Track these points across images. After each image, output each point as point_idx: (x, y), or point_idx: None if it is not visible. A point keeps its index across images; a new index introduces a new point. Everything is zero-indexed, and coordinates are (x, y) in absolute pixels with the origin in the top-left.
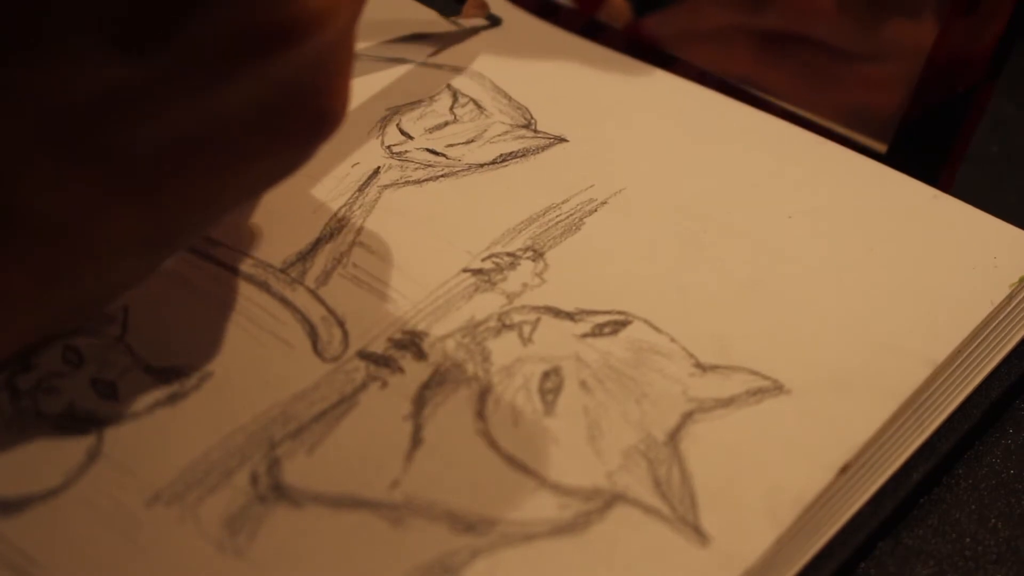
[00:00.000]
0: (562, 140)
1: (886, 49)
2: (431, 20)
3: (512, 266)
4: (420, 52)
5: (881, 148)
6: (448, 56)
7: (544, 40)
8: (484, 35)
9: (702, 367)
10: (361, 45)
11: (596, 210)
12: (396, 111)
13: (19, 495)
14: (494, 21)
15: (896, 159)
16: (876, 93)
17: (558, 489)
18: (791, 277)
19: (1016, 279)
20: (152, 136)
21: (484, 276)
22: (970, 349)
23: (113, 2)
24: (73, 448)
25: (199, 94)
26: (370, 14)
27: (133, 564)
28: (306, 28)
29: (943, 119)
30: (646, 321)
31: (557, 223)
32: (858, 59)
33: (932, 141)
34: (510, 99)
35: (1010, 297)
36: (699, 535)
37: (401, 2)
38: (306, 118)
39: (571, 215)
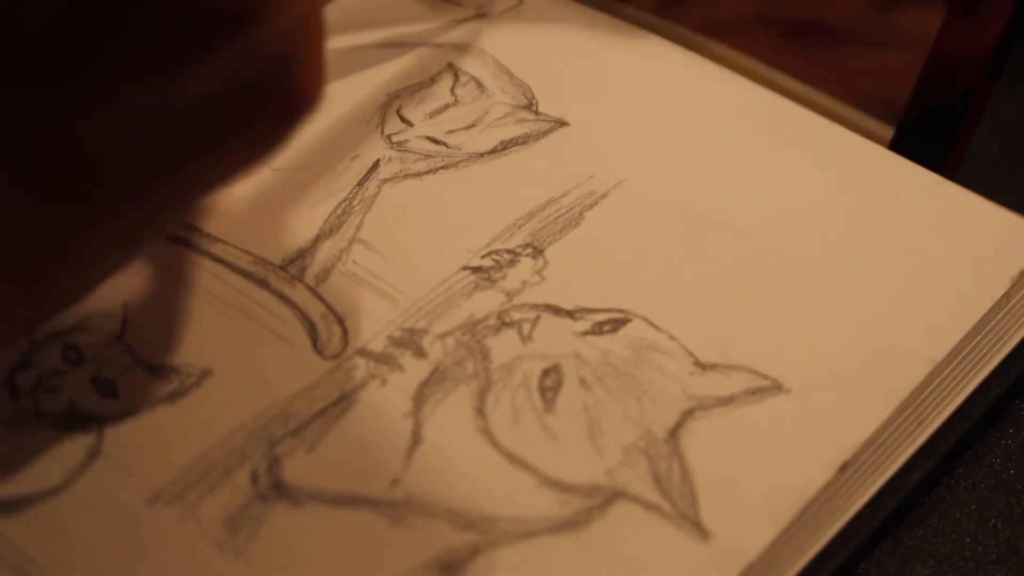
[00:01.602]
0: (563, 124)
1: (903, 36)
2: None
3: (512, 263)
4: (422, 34)
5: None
6: (450, 32)
7: (549, 8)
8: (490, 7)
9: (701, 366)
10: (403, 47)
11: (596, 203)
12: (396, 96)
13: (19, 494)
14: None
15: None
16: (890, 80)
17: (558, 486)
18: (791, 275)
19: (1017, 271)
20: (118, 130)
21: (484, 274)
22: (969, 347)
23: None
24: (73, 447)
25: (155, 87)
26: (370, 14)
27: (133, 564)
28: (262, 9)
29: (943, 119)
30: (645, 319)
31: (557, 218)
32: (875, 45)
33: (932, 141)
34: (512, 76)
35: (1009, 294)
36: (700, 531)
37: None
38: (274, 105)
39: (571, 209)
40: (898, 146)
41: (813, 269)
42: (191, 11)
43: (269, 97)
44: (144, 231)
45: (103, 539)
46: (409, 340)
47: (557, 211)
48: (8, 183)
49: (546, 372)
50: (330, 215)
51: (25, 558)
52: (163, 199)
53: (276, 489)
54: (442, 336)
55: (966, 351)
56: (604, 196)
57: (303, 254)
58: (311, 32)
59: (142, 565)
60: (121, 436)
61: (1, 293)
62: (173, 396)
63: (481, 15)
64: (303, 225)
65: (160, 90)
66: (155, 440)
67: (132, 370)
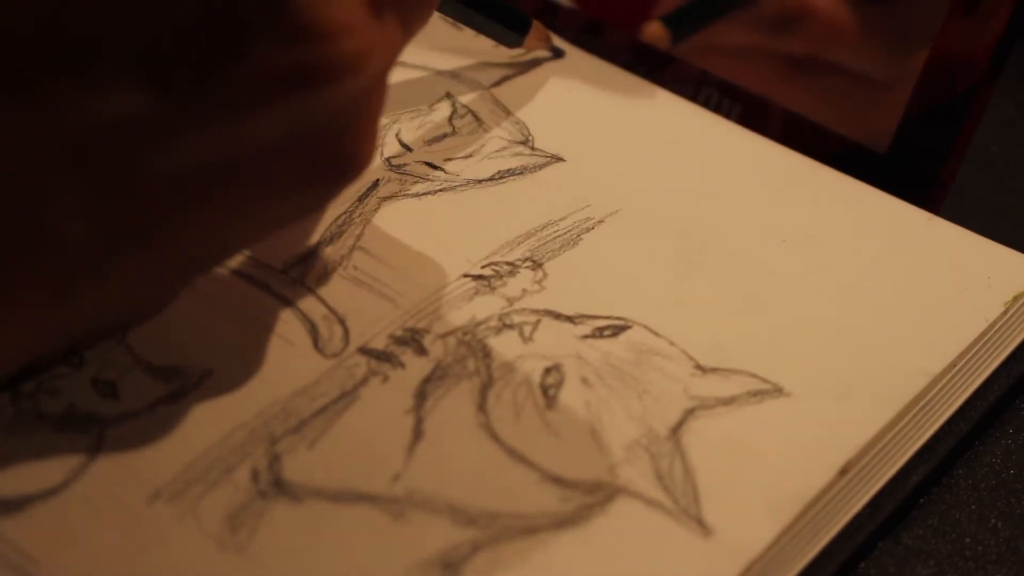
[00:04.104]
0: (559, 159)
1: (906, 75)
2: (493, 51)
3: (512, 274)
4: (422, 57)
5: (881, 148)
6: (449, 62)
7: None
8: (485, 44)
9: (702, 369)
10: (422, 72)
11: (593, 228)
12: (395, 120)
13: (19, 494)
14: (557, 53)
15: (896, 159)
16: (888, 112)
17: (560, 482)
18: (787, 295)
19: (1010, 298)
20: (177, 168)
21: (484, 281)
22: (968, 356)
23: (153, 37)
24: (74, 447)
25: (227, 130)
26: (433, 42)
27: (134, 562)
28: (339, 72)
29: (943, 119)
30: (646, 327)
31: (555, 238)
32: (878, 85)
33: (932, 141)
34: (509, 113)
35: (1004, 312)
36: (702, 527)
37: (463, 33)
38: (332, 160)
39: (569, 231)
40: (894, 150)
41: (809, 291)
42: (275, 64)
43: (326, 154)
44: (182, 271)
45: (104, 538)
46: (410, 339)
47: (555, 232)
48: (72, 195)
49: (547, 371)
50: (330, 225)
51: (26, 557)
52: (208, 240)
53: (277, 486)
54: (443, 336)
55: (965, 361)
56: (601, 222)
57: (304, 259)
58: (374, 99)
59: (143, 563)
60: (122, 435)
61: (33, 303)
62: (174, 396)
63: (481, 46)
64: (303, 234)
65: (235, 132)
66: (155, 439)
67: (133, 371)
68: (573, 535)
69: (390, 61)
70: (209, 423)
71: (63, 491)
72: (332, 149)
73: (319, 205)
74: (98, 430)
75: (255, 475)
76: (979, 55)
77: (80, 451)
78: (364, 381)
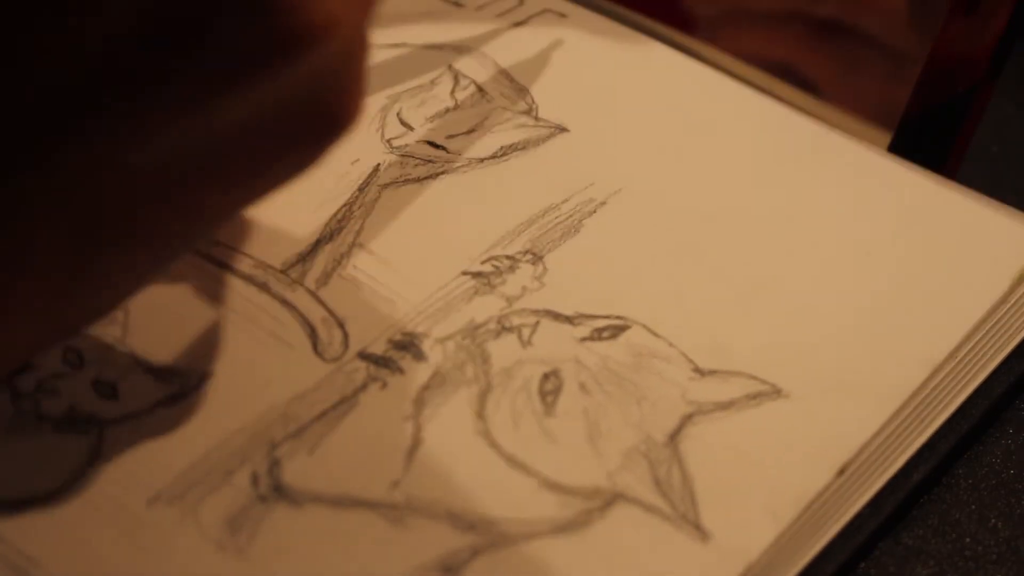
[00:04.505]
0: (563, 130)
1: (921, 52)
2: (493, 23)
3: (511, 269)
4: (422, 36)
5: (882, 147)
6: (449, 36)
7: (549, 11)
8: (486, 16)
9: (700, 371)
10: (422, 49)
11: (595, 211)
12: (396, 99)
13: (20, 496)
14: None
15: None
16: (891, 109)
17: (559, 488)
18: (790, 282)
19: (1017, 271)
20: (157, 157)
21: (483, 279)
22: (969, 347)
23: (125, 27)
24: (74, 449)
25: (203, 113)
26: (433, 18)
27: (134, 564)
28: (309, 41)
29: (943, 119)
30: (645, 326)
31: (556, 225)
32: (908, 60)
33: (932, 141)
34: (512, 81)
35: (1009, 294)
36: (700, 532)
37: (463, 9)
38: (316, 124)
39: (570, 216)
40: (898, 146)
41: (812, 275)
42: (244, 37)
43: (311, 119)
44: (175, 249)
45: (104, 539)
46: (410, 343)
47: (556, 218)
48: (45, 213)
49: (546, 376)
50: (330, 219)
51: (26, 559)
52: (198, 219)
53: (276, 491)
54: (442, 340)
55: (965, 352)
56: (603, 204)
57: (303, 258)
58: (353, 60)
59: (143, 565)
60: (122, 437)
61: (33, 296)
62: (174, 398)
63: (484, 8)
64: (303, 230)
65: (207, 115)
66: (156, 441)
67: (133, 372)
68: (572, 541)
69: (363, 20)
70: (209, 426)
71: (63, 492)
72: (315, 113)
73: (305, 168)
74: (98, 431)
75: (255, 479)
76: (979, 55)
77: (80, 452)
78: (363, 387)
